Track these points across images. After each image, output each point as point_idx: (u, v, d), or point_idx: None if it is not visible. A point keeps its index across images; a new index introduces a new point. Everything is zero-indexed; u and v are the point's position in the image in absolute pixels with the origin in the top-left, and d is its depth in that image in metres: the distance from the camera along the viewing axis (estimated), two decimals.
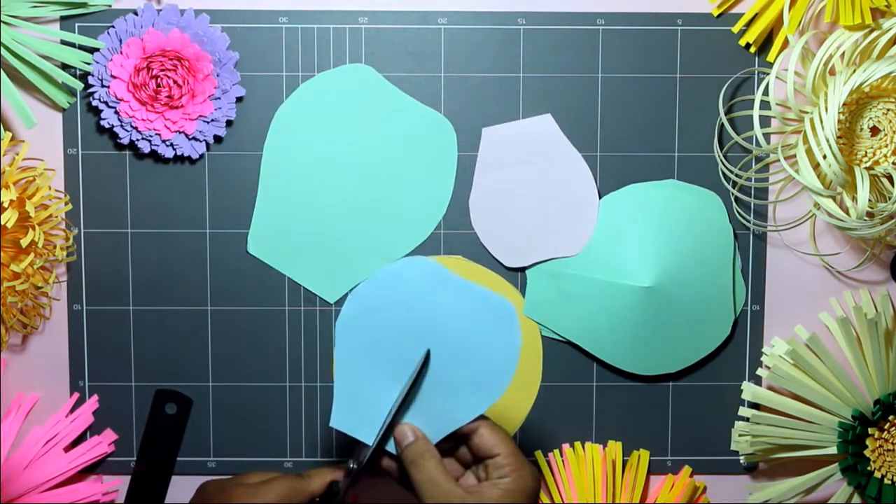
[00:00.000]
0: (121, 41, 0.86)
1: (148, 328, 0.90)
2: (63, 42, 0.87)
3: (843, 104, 0.83)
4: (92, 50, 0.86)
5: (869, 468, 0.87)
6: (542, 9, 0.88)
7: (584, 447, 0.90)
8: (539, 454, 0.90)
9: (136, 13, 0.86)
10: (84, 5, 0.86)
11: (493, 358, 0.77)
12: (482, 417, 0.76)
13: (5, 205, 0.81)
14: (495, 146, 0.88)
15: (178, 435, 0.90)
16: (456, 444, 0.78)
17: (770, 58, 0.88)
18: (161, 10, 0.86)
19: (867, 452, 0.87)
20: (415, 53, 0.88)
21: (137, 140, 0.87)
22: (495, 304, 0.77)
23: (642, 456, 0.90)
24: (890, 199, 0.83)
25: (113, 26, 0.86)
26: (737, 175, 0.88)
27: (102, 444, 0.90)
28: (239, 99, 0.88)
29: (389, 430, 0.77)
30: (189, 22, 0.86)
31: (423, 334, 0.77)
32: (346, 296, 0.90)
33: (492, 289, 0.89)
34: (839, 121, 0.83)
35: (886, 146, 0.85)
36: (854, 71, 0.81)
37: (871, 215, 0.83)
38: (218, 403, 0.90)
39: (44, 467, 0.88)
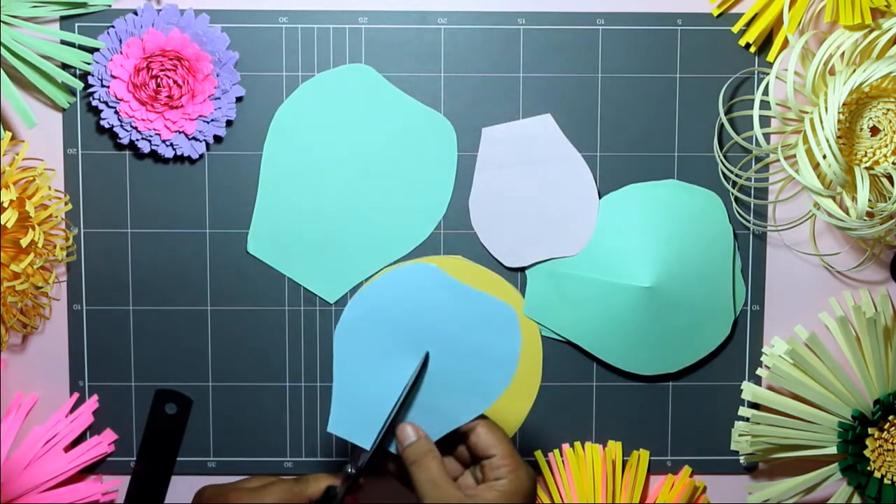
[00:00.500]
0: (121, 41, 0.86)
1: (148, 328, 0.90)
2: (63, 42, 0.87)
3: (843, 104, 0.83)
4: (92, 50, 0.86)
5: (869, 468, 0.87)
6: (542, 9, 0.88)
7: (583, 447, 0.90)
8: (539, 454, 0.90)
9: (135, 13, 0.86)
10: (84, 5, 0.86)
11: (493, 360, 0.77)
12: (480, 417, 0.76)
13: (5, 205, 0.81)
14: (495, 146, 0.88)
15: (178, 435, 0.90)
16: (455, 443, 0.78)
17: (770, 58, 0.88)
18: (161, 10, 0.86)
19: (867, 452, 0.87)
20: (415, 53, 0.88)
21: (137, 140, 0.87)
22: (496, 308, 0.77)
23: (642, 456, 0.90)
24: (890, 199, 0.83)
25: (113, 26, 0.86)
26: (737, 175, 0.88)
27: (102, 444, 0.90)
28: (239, 99, 0.88)
29: (389, 432, 0.77)
30: (189, 22, 0.86)
31: (424, 339, 0.77)
32: (346, 296, 0.90)
33: (492, 289, 0.89)
34: (839, 121, 0.83)
35: (886, 146, 0.85)
36: (854, 71, 0.81)
37: (870, 215, 0.83)
38: (218, 403, 0.90)
39: (44, 467, 0.88)
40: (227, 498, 0.76)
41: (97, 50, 0.86)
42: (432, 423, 0.77)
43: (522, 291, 0.90)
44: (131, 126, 0.87)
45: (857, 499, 0.89)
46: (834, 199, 0.85)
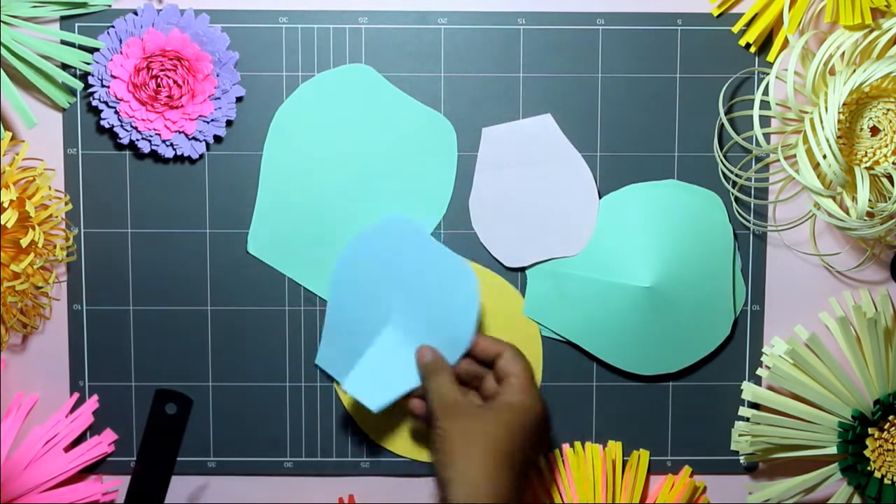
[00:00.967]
0: (121, 41, 0.86)
1: (148, 328, 0.90)
2: (63, 42, 0.87)
3: (843, 104, 0.83)
4: (92, 50, 0.86)
5: (869, 468, 0.87)
6: (542, 9, 0.88)
7: (584, 447, 0.90)
8: None
9: (136, 13, 0.86)
10: (84, 5, 0.86)
11: (454, 313, 0.86)
12: (507, 345, 0.83)
13: (5, 205, 0.81)
14: (495, 146, 0.88)
15: (178, 435, 0.90)
16: (481, 377, 0.85)
17: (770, 58, 0.88)
18: (161, 10, 0.86)
19: (867, 452, 0.87)
20: (415, 53, 0.88)
21: (137, 140, 0.87)
22: (455, 265, 0.87)
23: (642, 456, 0.90)
24: (890, 199, 0.83)
25: (113, 26, 0.86)
26: (737, 175, 0.88)
27: (102, 444, 0.90)
28: (239, 99, 0.88)
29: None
30: (189, 22, 0.86)
31: (400, 289, 0.87)
32: None
33: (492, 289, 0.89)
34: (839, 121, 0.83)
35: (886, 146, 0.85)
36: (854, 71, 0.81)
37: (871, 215, 0.83)
38: (218, 403, 0.90)
39: (44, 467, 0.88)
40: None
41: (97, 50, 0.86)
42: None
43: (522, 291, 0.90)
44: (131, 126, 0.87)
45: (857, 499, 0.89)
46: (834, 199, 0.85)
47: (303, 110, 0.88)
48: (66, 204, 0.88)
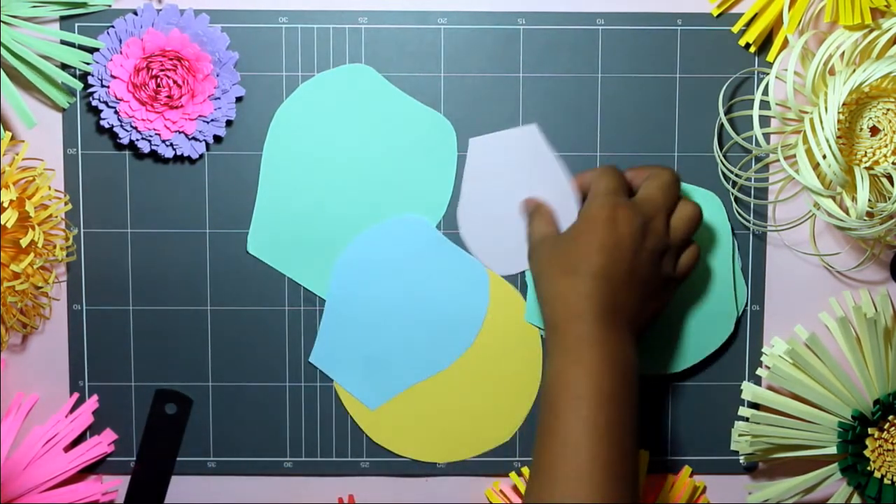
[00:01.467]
0: (120, 41, 0.86)
1: (148, 328, 0.90)
2: (63, 42, 0.87)
3: (843, 104, 0.83)
4: (92, 50, 0.86)
5: (869, 468, 0.87)
6: (542, 9, 0.88)
7: None
8: None
9: (135, 13, 0.86)
10: (84, 5, 0.86)
11: (462, 312, 0.89)
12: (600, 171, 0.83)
13: (5, 205, 0.81)
14: (482, 156, 0.88)
15: (178, 435, 0.90)
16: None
17: (770, 58, 0.88)
18: (161, 10, 0.86)
19: (867, 452, 0.87)
20: (415, 53, 0.88)
21: (137, 140, 0.87)
22: (469, 265, 0.88)
23: (642, 456, 0.90)
24: (890, 199, 0.83)
25: (113, 26, 0.86)
26: (737, 175, 0.88)
27: (102, 444, 0.90)
28: (239, 99, 0.88)
29: None
30: (189, 22, 0.86)
31: (406, 289, 0.88)
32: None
33: (492, 289, 0.89)
34: (839, 121, 0.83)
35: (886, 146, 0.85)
36: (854, 71, 0.81)
37: (870, 215, 0.83)
38: (218, 403, 0.90)
39: (43, 467, 0.88)
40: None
41: (97, 50, 0.86)
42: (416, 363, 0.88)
43: (523, 293, 0.90)
44: (131, 126, 0.87)
45: (856, 499, 0.89)
46: (834, 199, 0.85)
47: (303, 110, 0.88)
48: (66, 204, 0.88)
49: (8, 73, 0.86)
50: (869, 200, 0.82)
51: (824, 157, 0.81)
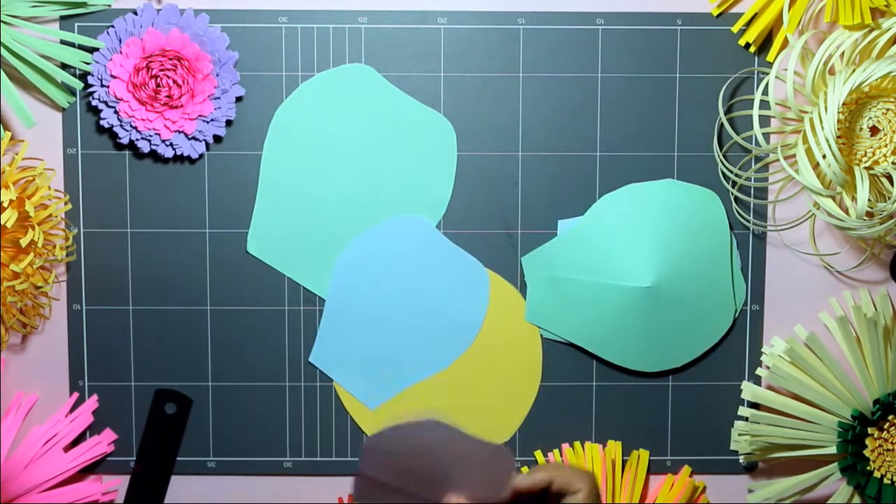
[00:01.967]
0: (120, 41, 0.86)
1: (148, 328, 0.90)
2: (63, 42, 0.87)
3: (843, 104, 0.83)
4: (91, 50, 0.86)
5: (868, 468, 0.88)
6: (542, 9, 0.88)
7: (583, 447, 0.90)
8: (539, 454, 0.90)
9: (135, 13, 0.86)
10: (84, 5, 0.86)
11: (461, 311, 0.88)
12: (543, 470, 0.73)
13: (5, 204, 0.81)
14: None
15: (178, 435, 0.90)
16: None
17: (770, 57, 0.88)
18: (161, 9, 0.86)
19: (867, 452, 0.87)
20: (415, 53, 0.88)
21: (137, 140, 0.87)
22: (469, 265, 0.88)
23: (642, 455, 0.90)
24: (889, 198, 0.83)
25: (112, 26, 0.86)
26: (736, 175, 0.88)
27: (102, 443, 0.90)
28: (239, 99, 0.88)
29: None
30: (189, 22, 0.86)
31: (406, 287, 0.87)
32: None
33: (492, 289, 0.89)
34: (839, 120, 0.83)
35: (886, 146, 0.85)
36: (853, 71, 0.81)
37: (870, 215, 0.83)
38: (218, 403, 0.90)
39: (43, 467, 0.88)
40: None
41: (97, 50, 0.86)
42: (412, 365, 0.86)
43: (523, 292, 0.90)
44: (131, 126, 0.86)
45: (856, 498, 0.89)
46: (834, 198, 0.85)
47: (302, 110, 0.88)
48: (66, 204, 0.88)
49: (8, 73, 0.86)
50: (869, 200, 0.82)
51: (824, 156, 0.81)
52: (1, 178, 0.82)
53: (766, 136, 0.88)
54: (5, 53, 0.85)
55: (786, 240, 0.90)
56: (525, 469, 0.90)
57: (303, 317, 0.90)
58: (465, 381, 0.90)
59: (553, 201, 0.89)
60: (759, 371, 0.90)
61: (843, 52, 0.84)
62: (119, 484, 0.91)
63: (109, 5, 0.87)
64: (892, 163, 0.85)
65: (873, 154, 0.85)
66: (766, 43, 0.88)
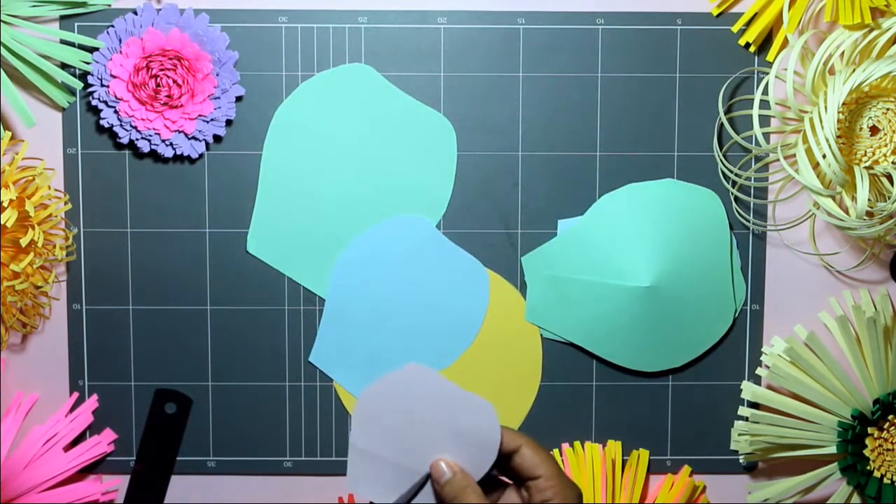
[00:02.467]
0: (120, 41, 0.86)
1: (148, 328, 0.90)
2: (63, 41, 0.87)
3: (843, 104, 0.83)
4: (91, 49, 0.86)
5: (868, 468, 0.88)
6: (542, 8, 0.88)
7: (583, 447, 0.90)
8: None
9: (135, 13, 0.86)
10: (84, 4, 0.86)
11: (461, 311, 0.88)
12: (524, 437, 0.72)
13: (5, 204, 0.81)
14: (371, 405, 0.73)
15: (178, 434, 0.90)
16: (499, 463, 0.73)
17: (770, 57, 0.88)
18: (160, 9, 0.86)
19: (867, 452, 0.87)
20: (415, 53, 0.88)
21: (137, 140, 0.87)
22: (469, 265, 0.88)
23: (642, 455, 0.90)
24: (889, 198, 0.83)
25: (112, 26, 0.86)
26: (736, 174, 0.88)
27: (102, 443, 0.90)
28: (238, 98, 0.88)
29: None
30: (188, 21, 0.86)
31: (405, 288, 0.88)
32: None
33: (492, 289, 0.89)
34: (839, 120, 0.83)
35: (886, 146, 0.85)
36: (853, 70, 0.81)
37: (870, 215, 0.83)
38: (218, 403, 0.90)
39: (43, 467, 0.88)
40: None
41: (97, 49, 0.86)
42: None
43: (523, 292, 0.90)
44: (131, 126, 0.87)
45: (856, 498, 0.89)
46: (834, 198, 0.85)
47: (302, 110, 0.88)
48: (66, 203, 0.88)
49: (8, 73, 0.86)
50: (869, 200, 0.82)
51: (824, 156, 0.81)
52: (1, 178, 0.82)
53: (766, 135, 0.88)
54: (5, 53, 0.85)
55: (786, 240, 0.90)
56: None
57: (303, 317, 0.90)
58: (464, 381, 0.90)
59: (553, 201, 0.89)
60: (759, 371, 0.90)
61: (843, 52, 0.84)
62: (119, 484, 0.91)
63: (109, 5, 0.87)
64: (893, 162, 0.85)
65: (873, 154, 0.85)
66: (766, 43, 0.88)
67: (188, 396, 0.90)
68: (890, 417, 0.87)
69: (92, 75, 0.86)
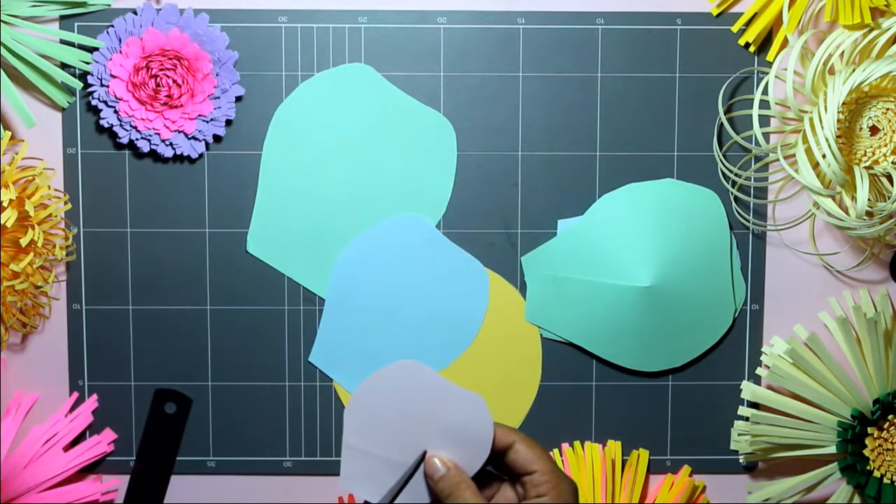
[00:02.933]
0: (120, 40, 0.86)
1: (147, 328, 0.90)
2: (62, 41, 0.87)
3: (843, 103, 0.83)
4: (91, 49, 0.86)
5: (868, 467, 0.88)
6: (542, 8, 0.88)
7: (583, 447, 0.90)
8: None
9: (135, 13, 0.86)
10: (83, 4, 0.86)
11: (461, 310, 0.88)
12: (517, 433, 0.72)
13: (5, 204, 0.81)
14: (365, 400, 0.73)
15: (178, 434, 0.90)
16: (493, 459, 0.73)
17: (769, 57, 0.88)
18: (160, 9, 0.86)
19: (866, 452, 0.87)
20: (414, 53, 0.88)
21: (137, 139, 0.87)
22: (468, 264, 0.89)
23: (642, 455, 0.90)
24: (889, 198, 0.83)
25: (112, 26, 0.86)
26: (736, 174, 0.88)
27: (102, 443, 0.90)
28: (238, 98, 0.88)
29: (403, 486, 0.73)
30: (188, 21, 0.86)
31: (405, 287, 0.88)
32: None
33: (492, 289, 0.89)
34: (838, 120, 0.83)
35: (886, 145, 0.85)
36: (853, 70, 0.81)
37: (870, 215, 0.83)
38: (218, 403, 0.90)
39: (43, 467, 0.88)
40: None
41: (97, 49, 0.86)
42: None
43: (523, 292, 0.90)
44: (131, 125, 0.87)
45: (856, 498, 0.89)
46: (833, 198, 0.85)
47: (302, 110, 0.88)
48: (66, 203, 0.88)
49: (8, 73, 0.86)
50: (868, 200, 0.82)
51: (824, 156, 0.81)
52: (1, 178, 0.82)
53: (766, 135, 0.88)
54: (5, 53, 0.85)
55: (786, 240, 0.90)
56: None
57: (303, 317, 0.90)
58: (464, 381, 0.90)
59: (553, 201, 0.89)
60: (759, 371, 0.90)
61: (842, 52, 0.84)
62: (119, 484, 0.91)
63: (109, 5, 0.87)
64: (892, 162, 0.85)
65: (873, 154, 0.85)
66: (765, 43, 0.88)
67: (188, 396, 0.90)
68: (890, 417, 0.87)
69: (92, 75, 0.86)
